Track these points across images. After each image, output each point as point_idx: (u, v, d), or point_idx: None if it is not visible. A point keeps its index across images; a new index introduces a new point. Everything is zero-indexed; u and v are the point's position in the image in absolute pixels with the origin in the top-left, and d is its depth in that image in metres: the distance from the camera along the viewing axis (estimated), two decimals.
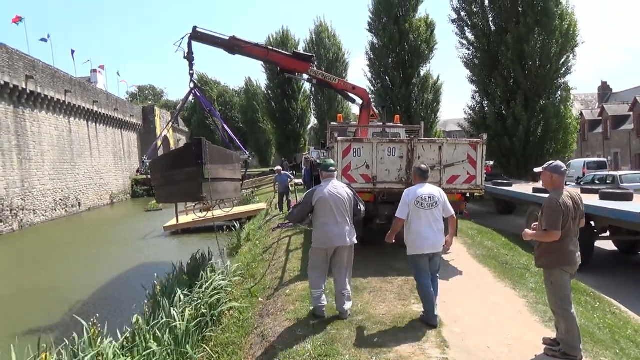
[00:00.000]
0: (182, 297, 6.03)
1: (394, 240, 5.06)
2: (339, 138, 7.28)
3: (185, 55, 9.54)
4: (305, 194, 5.36)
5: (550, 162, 4.13)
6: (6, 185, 22.12)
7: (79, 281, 11.69)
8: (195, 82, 9.60)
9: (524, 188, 12.08)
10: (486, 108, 19.68)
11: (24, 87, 23.76)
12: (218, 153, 7.41)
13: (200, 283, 6.80)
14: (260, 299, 6.55)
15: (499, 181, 13.50)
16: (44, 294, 10.94)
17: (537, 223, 4.16)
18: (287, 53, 11.63)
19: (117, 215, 30.86)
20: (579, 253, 4.00)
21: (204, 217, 19.66)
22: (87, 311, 9.00)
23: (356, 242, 5.13)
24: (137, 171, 39.95)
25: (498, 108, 18.92)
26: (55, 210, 27.17)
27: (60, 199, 28.00)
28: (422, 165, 5.11)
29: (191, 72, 9.69)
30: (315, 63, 12.57)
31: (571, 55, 18.26)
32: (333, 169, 5.21)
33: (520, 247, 9.56)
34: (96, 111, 34.06)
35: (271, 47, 10.66)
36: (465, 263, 7.49)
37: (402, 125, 13.17)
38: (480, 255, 8.11)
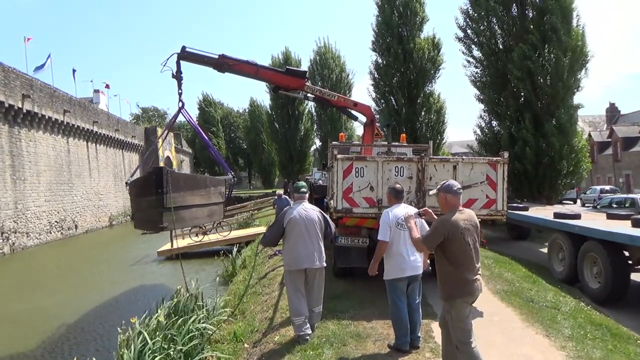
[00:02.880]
0: (152, 345, 5.06)
1: (377, 272, 4.78)
2: (339, 156, 6.41)
3: (174, 74, 9.09)
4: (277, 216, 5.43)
5: (444, 181, 3.88)
6: None
7: (52, 314, 10.67)
8: (184, 101, 9.11)
9: (543, 213, 11.09)
10: (495, 128, 18.83)
11: (20, 106, 23.20)
12: (185, 180, 6.93)
13: (178, 325, 5.85)
14: (245, 345, 5.58)
15: (514, 205, 12.52)
16: (11, 324, 9.99)
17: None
18: (279, 70, 11.07)
19: (114, 238, 29.92)
20: (479, 282, 3.67)
21: (200, 241, 18.74)
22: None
23: (325, 265, 5.15)
24: None
25: (508, 128, 18.04)
26: (51, 233, 26.31)
27: (56, 221, 27.16)
28: (397, 185, 5.04)
29: (180, 91, 9.29)
30: (309, 80, 11.92)
31: (582, 72, 17.46)
32: (305, 190, 5.31)
33: (543, 279, 8.54)
34: (96, 131, 33.53)
35: (261, 64, 10.09)
36: (485, 301, 6.46)
37: (408, 144, 12.32)
38: (501, 290, 7.10)
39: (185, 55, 9.27)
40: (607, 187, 29.61)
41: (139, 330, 5.25)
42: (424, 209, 4.27)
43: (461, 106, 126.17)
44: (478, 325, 5.44)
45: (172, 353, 5.11)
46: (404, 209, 4.69)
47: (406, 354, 4.50)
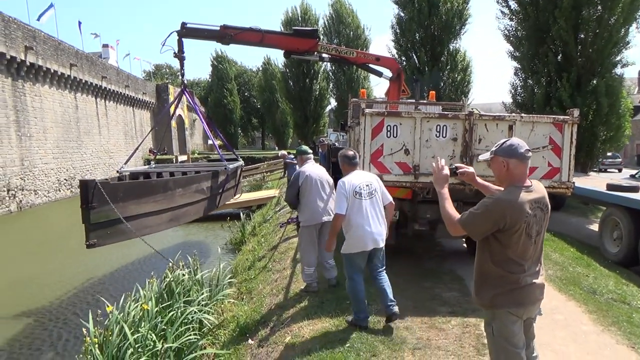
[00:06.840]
0: (133, 342, 4.09)
1: (333, 248, 4.53)
2: (367, 110, 5.19)
3: (175, 54, 8.38)
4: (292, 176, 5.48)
5: (504, 140, 2.52)
6: (3, 163, 20.65)
7: (45, 281, 9.95)
8: (185, 82, 8.62)
9: (591, 183, 9.79)
10: (531, 87, 17.17)
11: (23, 58, 22.08)
12: (127, 189, 5.71)
13: (170, 313, 4.89)
14: (250, 341, 4.60)
15: None
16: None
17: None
18: (286, 32, 10.13)
19: None
20: (539, 288, 2.50)
21: None
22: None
23: None
24: (150, 151, 38.38)
25: (545, 88, 16.40)
26: (60, 191, 25.78)
27: (65, 179, 26.57)
28: (349, 152, 4.47)
29: (182, 70, 8.68)
30: (324, 39, 10.86)
31: (634, 25, 15.57)
32: (310, 152, 5.63)
33: (595, 260, 7.38)
34: (105, 87, 32.43)
35: (266, 29, 9.09)
36: None
37: (438, 102, 11.01)
38: (555, 277, 5.98)
39: (185, 32, 8.55)
40: (609, 153, 28.71)
41: (117, 320, 4.29)
42: (462, 168, 2.86)
43: (482, 66, 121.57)
44: (539, 327, 4.36)
45: (160, 351, 4.16)
46: (362, 176, 4.32)
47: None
